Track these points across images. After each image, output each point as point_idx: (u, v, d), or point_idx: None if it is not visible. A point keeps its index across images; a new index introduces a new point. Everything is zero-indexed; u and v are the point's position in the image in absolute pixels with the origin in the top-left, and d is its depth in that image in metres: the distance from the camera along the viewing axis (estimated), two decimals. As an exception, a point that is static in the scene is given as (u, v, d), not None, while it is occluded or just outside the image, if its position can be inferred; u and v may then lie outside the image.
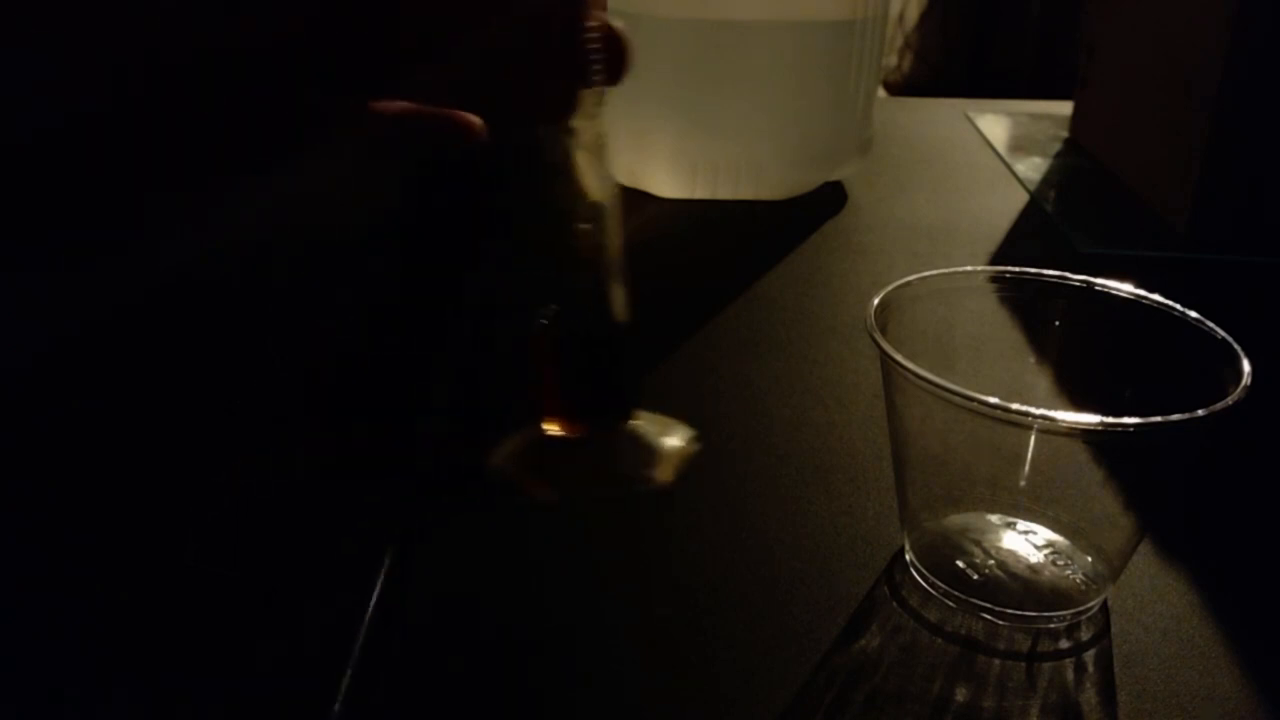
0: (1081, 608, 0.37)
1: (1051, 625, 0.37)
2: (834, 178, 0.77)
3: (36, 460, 0.41)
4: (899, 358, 0.35)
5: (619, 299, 0.40)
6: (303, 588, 0.37)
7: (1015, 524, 0.39)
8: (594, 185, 0.38)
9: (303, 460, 0.44)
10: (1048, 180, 0.81)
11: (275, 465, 0.43)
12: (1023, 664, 0.35)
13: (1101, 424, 0.32)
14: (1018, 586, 0.37)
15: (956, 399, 0.33)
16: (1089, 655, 0.36)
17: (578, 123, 0.36)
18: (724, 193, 0.73)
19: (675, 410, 0.50)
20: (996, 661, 0.35)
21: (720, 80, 0.69)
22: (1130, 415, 0.32)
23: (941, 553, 0.38)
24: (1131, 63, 0.80)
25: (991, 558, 0.38)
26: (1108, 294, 0.40)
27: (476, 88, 0.32)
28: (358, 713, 0.33)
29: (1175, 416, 0.32)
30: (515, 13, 0.32)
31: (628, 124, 0.69)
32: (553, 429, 0.41)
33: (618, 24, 0.35)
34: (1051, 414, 0.32)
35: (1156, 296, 0.39)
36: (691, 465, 0.46)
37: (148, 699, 0.33)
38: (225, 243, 0.29)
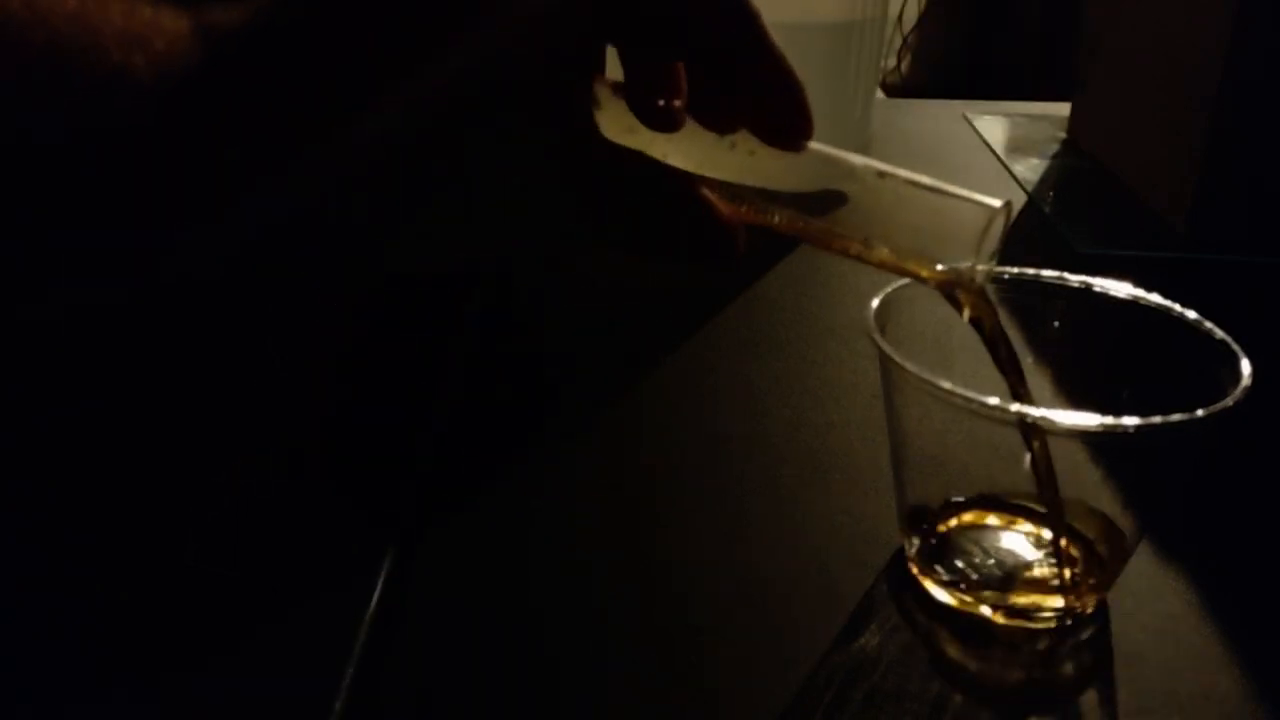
0: (1080, 608, 0.37)
1: (1050, 625, 0.37)
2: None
3: (36, 460, 0.41)
4: (898, 358, 0.35)
5: None
6: (303, 588, 0.37)
7: (1014, 524, 0.39)
8: None
9: (303, 460, 0.44)
10: (1046, 181, 0.81)
11: (275, 465, 0.43)
12: (1022, 663, 0.35)
13: (1101, 424, 0.32)
14: (1016, 586, 0.37)
15: (955, 399, 0.33)
16: (1088, 654, 0.36)
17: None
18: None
19: (675, 410, 0.50)
20: (995, 660, 0.35)
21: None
22: (1130, 415, 0.32)
23: (940, 552, 0.38)
24: (1131, 63, 0.80)
25: (990, 557, 0.38)
26: (1107, 295, 0.40)
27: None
28: (358, 713, 0.33)
29: (1175, 417, 0.32)
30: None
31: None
32: None
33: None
34: (1051, 414, 0.33)
35: (1155, 297, 0.39)
36: (690, 465, 0.46)
37: (148, 699, 0.33)
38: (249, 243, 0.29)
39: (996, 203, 0.32)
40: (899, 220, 0.34)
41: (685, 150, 0.34)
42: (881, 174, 0.34)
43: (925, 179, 0.33)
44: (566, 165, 0.32)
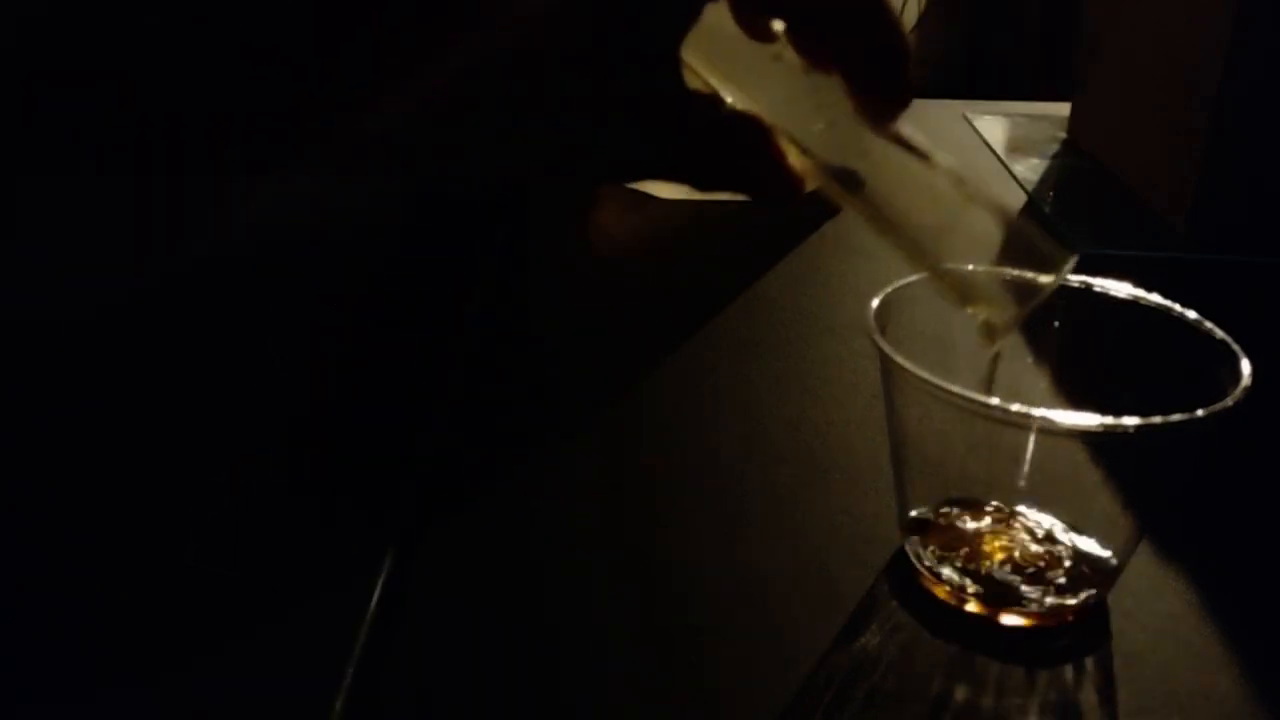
0: (1080, 607, 0.37)
1: (1050, 624, 0.37)
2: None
3: (36, 460, 0.41)
4: (899, 358, 0.35)
5: None
6: (303, 588, 0.37)
7: (1014, 524, 0.39)
8: None
9: (303, 460, 0.44)
10: (1046, 181, 0.81)
11: (275, 465, 0.43)
12: (1022, 663, 0.35)
13: (1101, 425, 0.32)
14: (1016, 585, 0.37)
15: (956, 400, 0.33)
16: (1088, 654, 0.36)
17: None
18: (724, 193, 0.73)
19: (675, 410, 0.50)
20: (995, 660, 0.35)
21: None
22: (1130, 415, 0.32)
23: (939, 551, 0.38)
24: (1131, 63, 0.80)
25: (990, 557, 0.38)
26: (1107, 295, 0.40)
27: None
28: (358, 713, 0.33)
29: (1175, 417, 0.32)
30: None
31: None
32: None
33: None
34: (1051, 415, 0.32)
35: (1156, 297, 0.39)
36: (690, 465, 0.46)
37: (148, 699, 0.33)
38: (239, 236, 0.29)
39: (1070, 262, 0.32)
40: (962, 241, 0.33)
41: (768, 97, 0.33)
42: (966, 191, 0.33)
43: (1006, 206, 0.33)
44: (646, 103, 0.32)
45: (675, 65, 0.32)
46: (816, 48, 0.33)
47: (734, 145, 0.33)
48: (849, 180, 0.34)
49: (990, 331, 0.35)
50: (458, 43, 0.29)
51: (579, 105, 0.31)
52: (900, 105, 0.33)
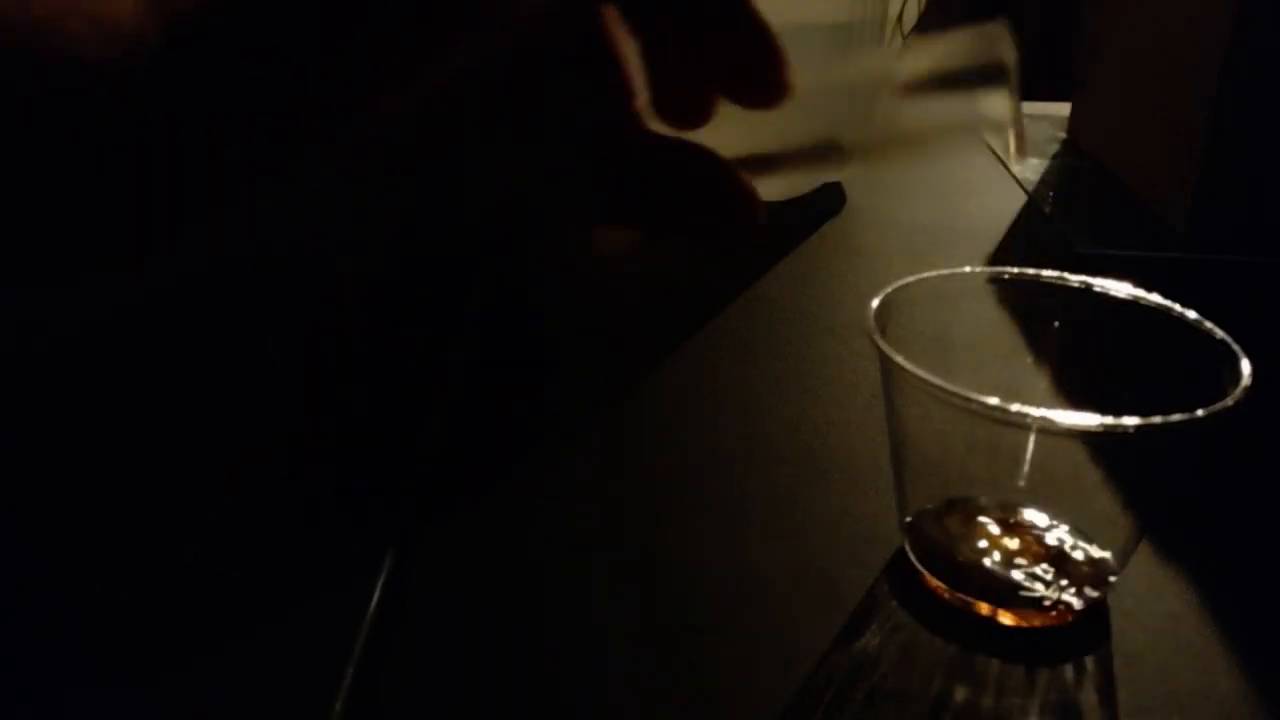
0: (1080, 607, 0.37)
1: (1051, 624, 0.37)
2: (833, 179, 0.77)
3: (36, 460, 0.41)
4: (899, 359, 0.35)
5: None
6: (303, 588, 0.37)
7: (1014, 524, 0.39)
8: None
9: (303, 461, 0.44)
10: (1046, 181, 0.81)
11: (275, 465, 0.43)
12: (1022, 663, 0.35)
13: (1101, 425, 0.32)
14: (1016, 586, 0.37)
15: (956, 400, 0.33)
16: (1088, 654, 0.36)
17: None
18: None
19: (675, 410, 0.50)
20: (995, 660, 0.35)
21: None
22: (1130, 415, 0.32)
23: (940, 552, 0.38)
24: (1131, 63, 0.80)
25: (990, 557, 0.38)
26: (1106, 294, 0.40)
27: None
28: (358, 713, 0.33)
29: (1175, 417, 0.32)
30: None
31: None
32: None
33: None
34: (1051, 415, 0.32)
35: (1155, 297, 0.39)
36: (690, 465, 0.46)
37: (148, 699, 0.33)
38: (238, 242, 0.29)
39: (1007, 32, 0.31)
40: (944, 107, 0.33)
41: (718, 135, 0.33)
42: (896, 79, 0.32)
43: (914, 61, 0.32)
44: (603, 147, 0.31)
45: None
46: (693, 101, 0.31)
47: (698, 160, 0.32)
48: (832, 151, 0.33)
49: (1020, 142, 0.33)
50: (457, 43, 0.29)
51: (577, 105, 0.31)
52: (784, 84, 0.31)
